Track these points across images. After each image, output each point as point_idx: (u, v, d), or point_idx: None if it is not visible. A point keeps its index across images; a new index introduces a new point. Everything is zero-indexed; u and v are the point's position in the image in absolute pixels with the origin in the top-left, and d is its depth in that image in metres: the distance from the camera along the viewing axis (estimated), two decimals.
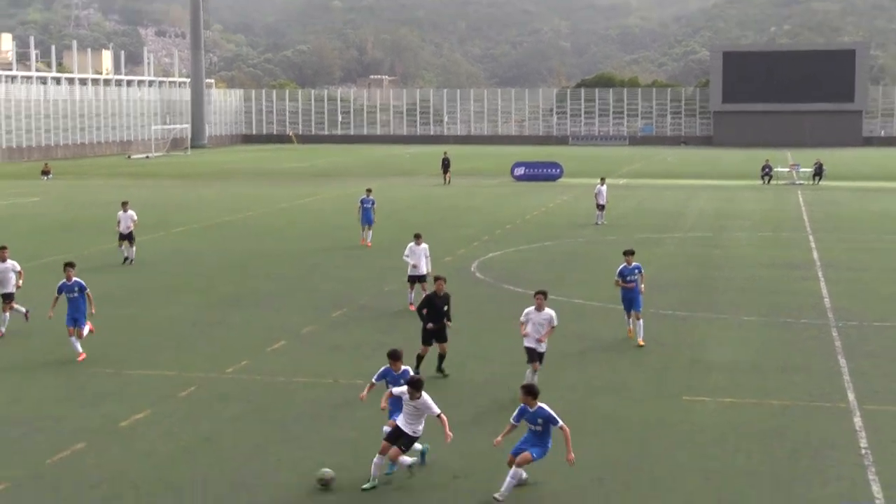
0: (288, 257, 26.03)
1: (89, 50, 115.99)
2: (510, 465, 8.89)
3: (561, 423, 8.99)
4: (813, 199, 42.81)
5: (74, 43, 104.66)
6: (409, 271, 17.96)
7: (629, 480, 9.82)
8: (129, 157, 79.15)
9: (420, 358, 13.26)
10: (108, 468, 9.86)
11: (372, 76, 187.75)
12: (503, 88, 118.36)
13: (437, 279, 13.88)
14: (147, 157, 78.92)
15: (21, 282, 15.96)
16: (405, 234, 22.34)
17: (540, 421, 8.98)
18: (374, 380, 10.32)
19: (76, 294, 14.20)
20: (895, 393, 13.27)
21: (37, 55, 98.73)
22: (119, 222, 24.12)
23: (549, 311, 12.46)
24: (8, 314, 15.79)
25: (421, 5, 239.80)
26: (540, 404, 9.07)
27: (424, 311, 13.38)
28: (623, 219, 34.81)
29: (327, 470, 9.21)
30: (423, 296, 14.65)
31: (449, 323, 13.46)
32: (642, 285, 15.79)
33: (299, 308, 19.07)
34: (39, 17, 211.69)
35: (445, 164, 50.92)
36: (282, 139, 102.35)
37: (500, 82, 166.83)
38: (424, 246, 18.03)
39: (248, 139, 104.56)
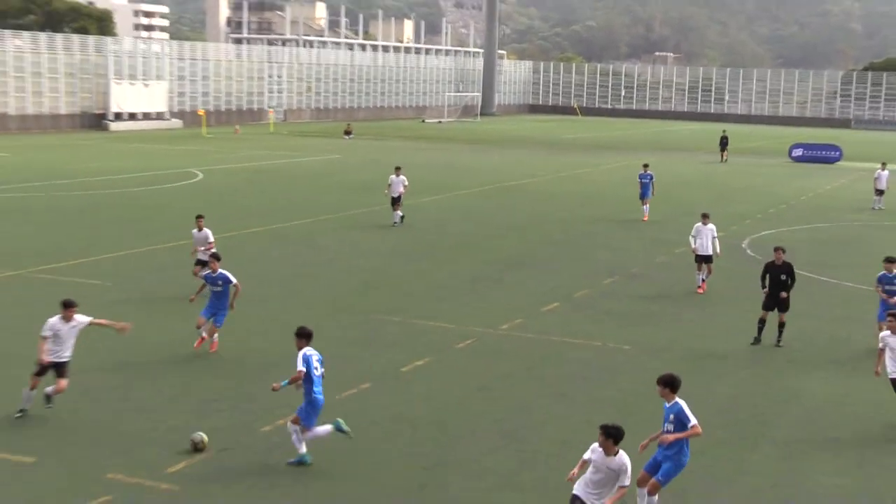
0: (566, 224, 26.53)
1: (393, 19, 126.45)
2: (639, 484, 7.76)
3: (694, 422, 7.68)
4: None
5: (380, 13, 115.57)
6: (697, 250, 17.28)
7: None
8: (423, 121, 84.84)
9: (762, 322, 13.97)
10: (389, 408, 10.77)
11: (657, 53, 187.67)
12: (787, 69, 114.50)
13: (775, 249, 14.29)
14: (440, 121, 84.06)
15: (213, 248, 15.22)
16: (680, 210, 23.99)
17: (672, 417, 7.75)
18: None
19: (220, 287, 12.69)
20: None
21: (346, 23, 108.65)
22: (390, 185, 24.46)
23: None
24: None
25: None
26: (677, 399, 7.85)
27: (765, 279, 14.01)
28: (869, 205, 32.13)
29: (199, 434, 9.18)
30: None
31: (784, 294, 13.78)
32: None
33: (573, 273, 19.44)
34: None
35: (724, 143, 50.25)
36: (566, 110, 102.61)
37: (785, 63, 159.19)
38: (711, 226, 17.34)
39: (534, 109, 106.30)
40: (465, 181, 36.68)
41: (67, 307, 10.09)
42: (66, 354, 10.07)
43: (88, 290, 15.40)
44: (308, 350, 9.06)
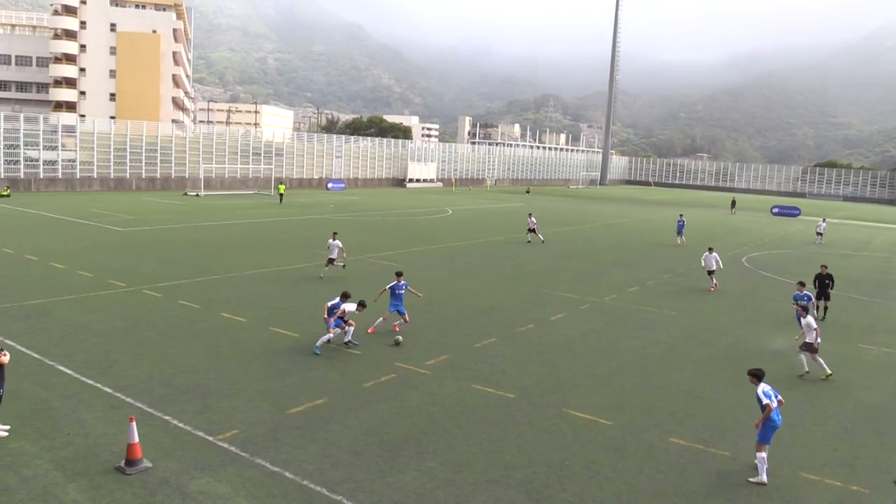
0: (641, 244, 42.17)
1: (555, 133, 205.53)
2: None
3: (766, 401, 11.66)
4: None
5: (548, 129, 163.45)
6: (705, 267, 31.46)
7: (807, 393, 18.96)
8: (568, 187, 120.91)
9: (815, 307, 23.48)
10: (548, 336, 22.68)
11: (697, 154, 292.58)
12: (771, 164, 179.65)
13: (822, 266, 25.38)
14: (577, 187, 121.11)
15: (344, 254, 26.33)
16: (706, 240, 43.05)
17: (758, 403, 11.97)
18: None
19: (402, 291, 19.23)
20: None
21: (529, 134, 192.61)
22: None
23: None
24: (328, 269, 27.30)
25: None
26: (762, 385, 11.88)
27: (815, 282, 24.90)
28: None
29: None
30: None
31: (828, 290, 24.77)
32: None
33: (645, 271, 31.13)
34: None
35: (733, 203, 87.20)
36: (645, 183, 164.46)
37: (770, 161, 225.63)
38: (715, 254, 29.88)
39: (628, 182, 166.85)
40: (587, 219, 57.25)
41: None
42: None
43: (385, 268, 29.22)
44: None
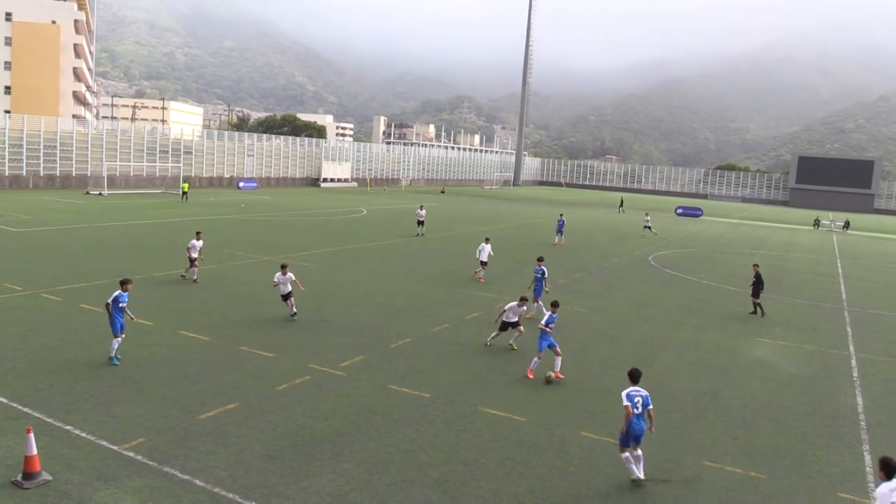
0: (551, 244, 39.45)
1: (469, 134, 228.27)
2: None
3: (625, 403, 11.74)
4: (842, 240, 68.17)
5: (462, 130, 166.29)
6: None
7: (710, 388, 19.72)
8: (483, 187, 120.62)
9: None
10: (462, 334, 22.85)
11: (607, 156, 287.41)
12: (675, 167, 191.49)
13: (755, 265, 27.40)
14: (490, 188, 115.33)
15: (301, 287, 21.67)
16: (608, 239, 36.39)
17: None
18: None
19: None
20: (882, 349, 21.43)
21: (444, 135, 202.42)
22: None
23: None
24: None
25: None
26: (632, 387, 11.88)
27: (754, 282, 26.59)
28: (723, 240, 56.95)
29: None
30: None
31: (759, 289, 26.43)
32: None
33: (558, 269, 31.60)
34: None
35: (622, 202, 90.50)
36: (557, 184, 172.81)
37: (675, 163, 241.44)
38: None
39: (541, 182, 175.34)
40: (501, 220, 57.82)
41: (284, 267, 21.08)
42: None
43: (300, 269, 28.81)
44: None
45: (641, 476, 11.72)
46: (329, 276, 28.38)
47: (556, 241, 44.94)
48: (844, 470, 12.86)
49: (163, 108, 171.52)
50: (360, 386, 15.36)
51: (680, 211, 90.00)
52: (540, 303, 23.37)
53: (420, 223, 44.84)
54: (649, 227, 56.42)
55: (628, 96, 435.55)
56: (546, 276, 23.65)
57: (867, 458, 13.45)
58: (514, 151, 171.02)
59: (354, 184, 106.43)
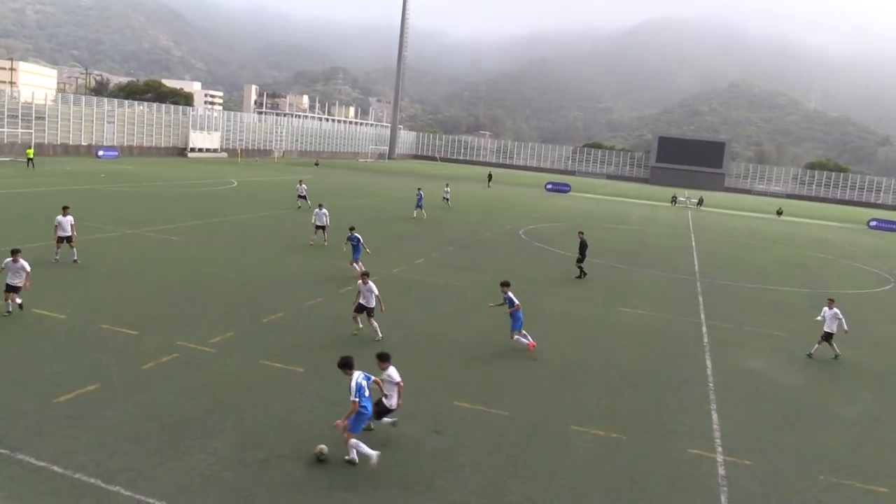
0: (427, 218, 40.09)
1: (344, 106, 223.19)
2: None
3: (353, 398, 10.93)
4: (696, 215, 73.55)
5: (337, 102, 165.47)
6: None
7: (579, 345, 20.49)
8: (357, 160, 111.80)
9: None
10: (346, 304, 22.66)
11: (481, 131, 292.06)
12: (545, 144, 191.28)
13: (580, 232, 29.51)
14: (365, 161, 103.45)
15: (28, 283, 17.14)
16: (481, 212, 37.33)
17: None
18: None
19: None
20: (728, 317, 23.51)
21: (318, 107, 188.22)
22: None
23: None
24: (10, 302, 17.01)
25: None
26: (357, 374, 11.26)
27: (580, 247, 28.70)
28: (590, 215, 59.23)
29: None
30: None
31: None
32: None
33: (430, 243, 32.08)
34: None
35: (490, 176, 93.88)
36: (432, 158, 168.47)
37: (544, 140, 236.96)
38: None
39: (416, 157, 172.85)
40: (377, 192, 58.53)
41: (14, 253, 16.92)
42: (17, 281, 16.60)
43: (166, 243, 27.60)
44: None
45: (374, 456, 10.97)
46: (197, 250, 27.35)
47: (415, 214, 44.58)
48: (695, 428, 13.88)
49: (11, 70, 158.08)
50: (231, 362, 14.99)
51: (549, 186, 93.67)
52: (357, 265, 24.45)
53: (302, 198, 44.12)
54: (447, 199, 54.31)
55: (502, 75, 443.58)
56: (362, 242, 25.08)
57: (714, 416, 14.58)
58: (390, 125, 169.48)
59: (224, 154, 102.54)
